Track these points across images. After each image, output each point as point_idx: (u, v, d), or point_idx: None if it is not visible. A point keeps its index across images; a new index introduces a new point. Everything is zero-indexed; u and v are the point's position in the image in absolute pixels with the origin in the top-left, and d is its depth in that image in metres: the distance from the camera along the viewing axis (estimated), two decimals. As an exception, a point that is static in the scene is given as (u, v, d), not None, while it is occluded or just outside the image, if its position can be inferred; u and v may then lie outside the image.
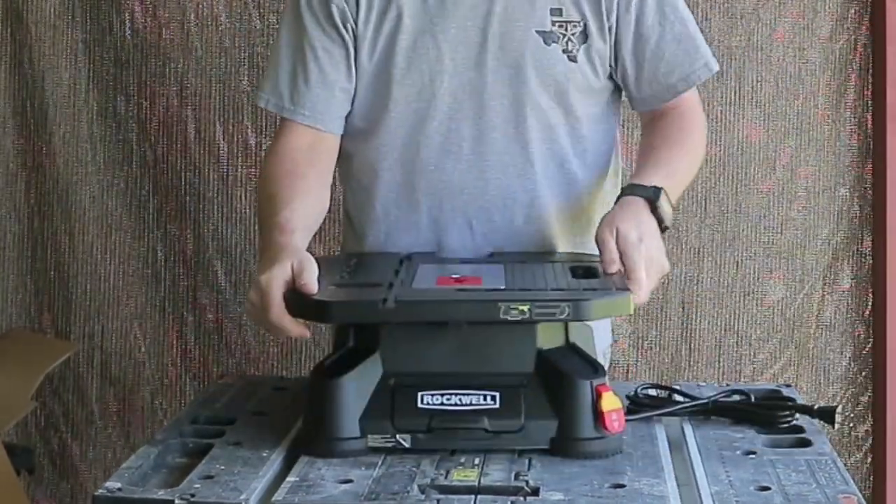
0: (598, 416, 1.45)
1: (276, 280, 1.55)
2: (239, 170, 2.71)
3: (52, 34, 2.70)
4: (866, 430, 2.75)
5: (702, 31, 1.80)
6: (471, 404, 1.46)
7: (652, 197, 1.72)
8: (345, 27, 1.84)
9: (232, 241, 2.72)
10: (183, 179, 2.72)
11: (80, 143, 2.72)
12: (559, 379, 1.47)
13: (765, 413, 1.61)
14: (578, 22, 1.83)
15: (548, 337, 1.50)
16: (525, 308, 1.42)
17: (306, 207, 1.78)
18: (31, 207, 2.76)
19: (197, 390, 2.70)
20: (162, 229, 2.74)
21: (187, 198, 2.72)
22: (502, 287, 1.53)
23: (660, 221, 1.70)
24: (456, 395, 1.46)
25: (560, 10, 1.82)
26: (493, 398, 1.46)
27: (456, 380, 1.47)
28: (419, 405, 1.46)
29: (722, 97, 2.66)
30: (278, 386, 1.81)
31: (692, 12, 1.91)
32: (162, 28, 2.68)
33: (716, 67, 1.90)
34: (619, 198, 1.75)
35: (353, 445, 1.46)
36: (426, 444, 1.46)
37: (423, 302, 1.50)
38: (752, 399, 1.63)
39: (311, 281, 1.53)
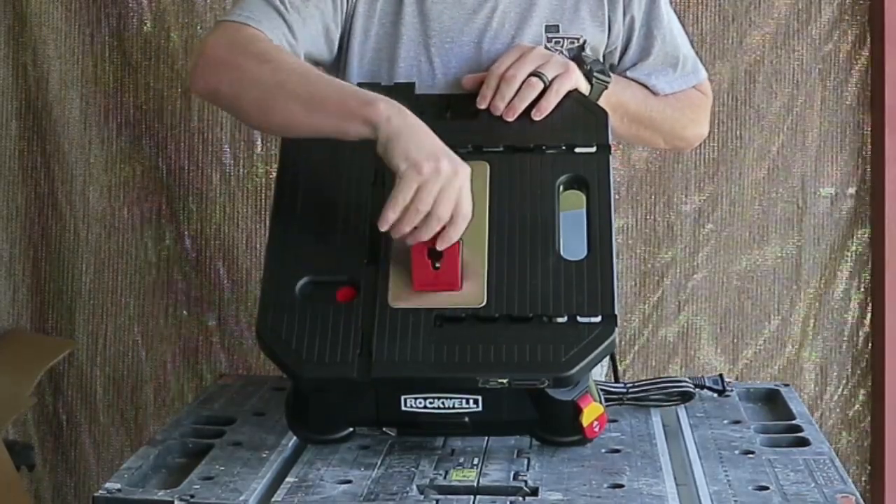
0: (580, 429, 1.47)
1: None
2: (241, 171, 2.71)
3: (56, 36, 2.70)
4: (865, 429, 2.75)
5: (697, 33, 1.77)
6: (453, 407, 1.45)
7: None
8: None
9: (233, 241, 2.73)
10: (186, 180, 2.72)
11: (83, 143, 2.73)
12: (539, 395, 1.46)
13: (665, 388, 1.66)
14: (577, 38, 1.77)
15: None
16: (504, 381, 1.41)
17: None
18: (34, 207, 2.77)
19: (197, 390, 2.71)
20: (164, 229, 2.75)
21: (190, 198, 2.73)
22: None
23: (587, 74, 1.66)
24: (438, 398, 1.45)
25: (557, 27, 1.76)
26: (476, 402, 1.45)
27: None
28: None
29: (717, 98, 2.66)
30: (278, 386, 1.80)
31: (685, 15, 1.89)
32: (167, 29, 2.69)
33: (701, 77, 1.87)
34: None
35: None
36: None
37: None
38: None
39: None
